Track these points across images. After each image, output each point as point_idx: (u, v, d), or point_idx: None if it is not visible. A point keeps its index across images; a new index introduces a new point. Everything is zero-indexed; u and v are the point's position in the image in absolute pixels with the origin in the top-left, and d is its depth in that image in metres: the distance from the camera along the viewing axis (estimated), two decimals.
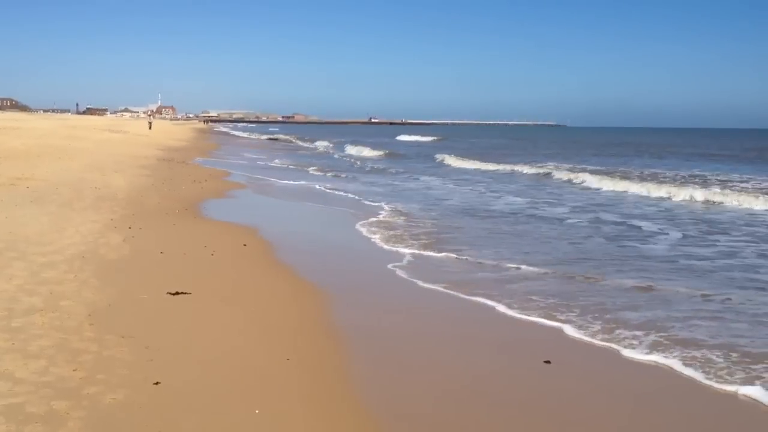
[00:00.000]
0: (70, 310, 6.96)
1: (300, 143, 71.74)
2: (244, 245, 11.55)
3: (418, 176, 30.57)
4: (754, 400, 5.70)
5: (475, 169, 36.50)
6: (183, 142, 55.19)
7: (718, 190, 23.56)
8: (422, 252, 11.74)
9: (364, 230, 13.93)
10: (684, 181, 27.67)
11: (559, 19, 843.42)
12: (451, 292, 9.07)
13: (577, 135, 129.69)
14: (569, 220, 16.63)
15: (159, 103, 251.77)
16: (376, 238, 12.98)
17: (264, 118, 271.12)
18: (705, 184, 26.81)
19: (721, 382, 6.03)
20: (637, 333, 7.33)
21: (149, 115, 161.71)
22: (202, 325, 7.06)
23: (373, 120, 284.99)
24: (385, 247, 12.21)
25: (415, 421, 5.20)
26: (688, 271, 10.79)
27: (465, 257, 11.36)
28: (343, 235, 13.94)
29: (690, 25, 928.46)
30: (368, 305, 8.56)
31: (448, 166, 39.83)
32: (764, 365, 6.42)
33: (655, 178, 28.78)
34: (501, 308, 8.34)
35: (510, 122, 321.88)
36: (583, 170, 31.80)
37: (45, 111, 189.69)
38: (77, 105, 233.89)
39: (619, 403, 5.71)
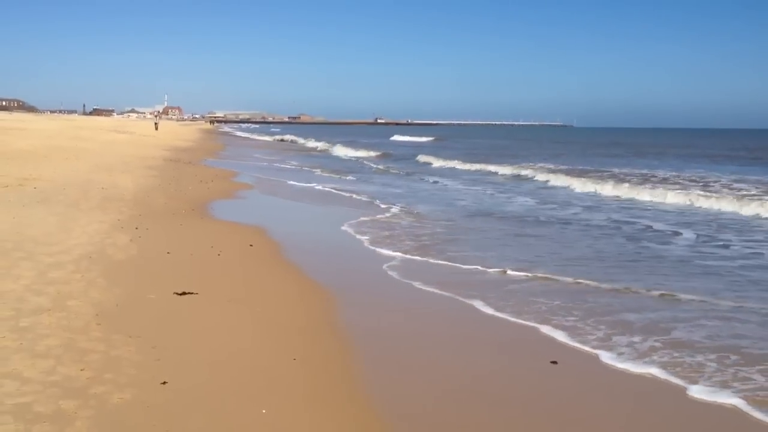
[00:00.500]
0: (77, 310, 6.98)
1: (299, 142, 72.29)
2: (251, 245, 11.57)
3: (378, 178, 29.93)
4: (754, 400, 5.67)
5: (451, 169, 37.47)
6: (189, 142, 55.35)
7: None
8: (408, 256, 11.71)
9: (351, 230, 13.87)
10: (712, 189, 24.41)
11: (560, 20, 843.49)
12: (445, 293, 9.02)
13: (582, 136, 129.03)
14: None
15: (166, 104, 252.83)
16: (365, 240, 12.87)
17: (270, 119, 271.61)
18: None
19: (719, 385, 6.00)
20: (635, 339, 7.21)
21: (155, 116, 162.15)
22: (209, 325, 7.08)
23: (379, 120, 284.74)
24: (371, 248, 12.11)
25: (419, 420, 5.21)
26: (705, 273, 10.75)
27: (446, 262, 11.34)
28: (334, 236, 13.90)
29: (690, 25, 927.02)
30: (372, 306, 8.55)
31: (429, 165, 41.18)
32: (762, 367, 6.40)
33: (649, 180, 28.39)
34: (478, 304, 8.46)
35: (516, 122, 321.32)
36: (566, 171, 31.77)
37: (52, 112, 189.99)
38: (84, 106, 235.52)
39: (619, 403, 5.70)
